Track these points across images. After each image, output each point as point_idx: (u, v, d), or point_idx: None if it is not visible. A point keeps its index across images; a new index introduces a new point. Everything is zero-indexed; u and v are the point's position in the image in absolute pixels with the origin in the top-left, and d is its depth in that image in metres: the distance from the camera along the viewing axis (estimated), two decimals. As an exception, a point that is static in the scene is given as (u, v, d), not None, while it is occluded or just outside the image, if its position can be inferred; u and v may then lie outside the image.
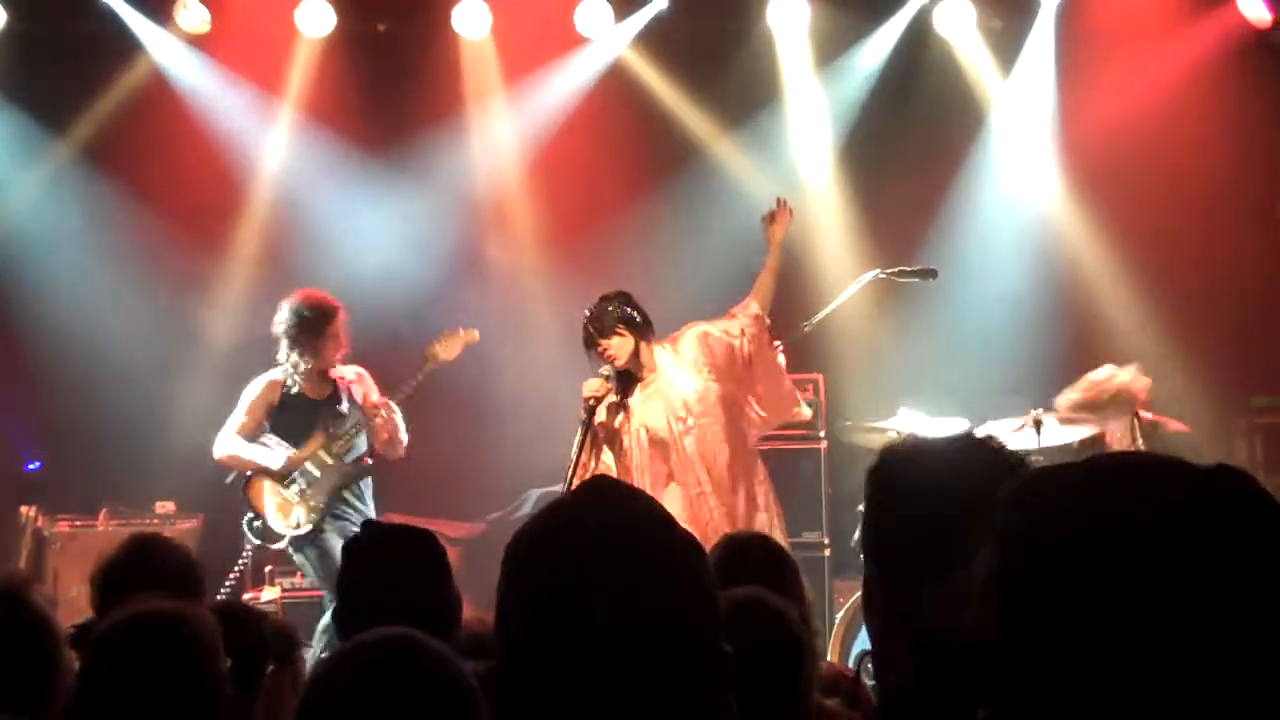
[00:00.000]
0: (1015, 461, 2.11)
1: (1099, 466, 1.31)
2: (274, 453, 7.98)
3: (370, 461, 8.13)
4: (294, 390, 8.02)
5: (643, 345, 7.09)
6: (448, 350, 8.23)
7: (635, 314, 7.09)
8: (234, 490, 8.40)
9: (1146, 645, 1.19)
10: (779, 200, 7.62)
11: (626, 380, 7.16)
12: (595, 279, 8.62)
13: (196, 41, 10.13)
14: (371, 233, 10.15)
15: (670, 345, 7.20)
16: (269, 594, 8.27)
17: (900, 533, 2.10)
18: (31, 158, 10.13)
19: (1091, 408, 7.95)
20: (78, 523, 9.10)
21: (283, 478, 7.93)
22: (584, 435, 6.96)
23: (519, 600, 1.72)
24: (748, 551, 3.90)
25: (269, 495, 7.94)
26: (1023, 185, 10.50)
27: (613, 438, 7.17)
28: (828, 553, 8.62)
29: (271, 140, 10.38)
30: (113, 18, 10.05)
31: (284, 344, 7.99)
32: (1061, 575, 1.24)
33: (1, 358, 9.94)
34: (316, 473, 7.93)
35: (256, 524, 7.99)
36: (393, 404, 8.05)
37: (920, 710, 2.04)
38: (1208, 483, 1.27)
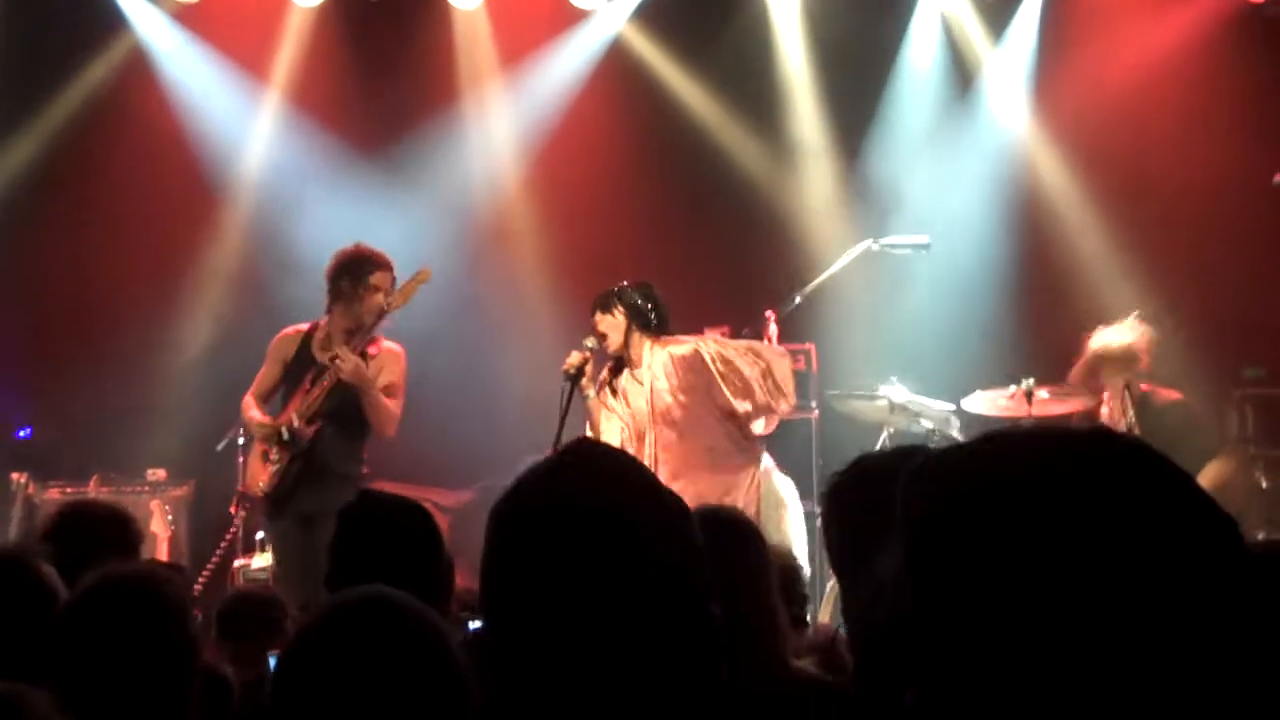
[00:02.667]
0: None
1: (983, 445, 1.31)
2: (260, 419, 7.52)
3: (312, 432, 7.38)
4: (311, 349, 7.51)
5: (635, 334, 7.12)
6: (400, 297, 7.45)
7: (643, 304, 7.14)
8: (226, 456, 8.40)
9: (1052, 612, 1.19)
10: None
11: (619, 365, 7.24)
12: (595, 259, 8.67)
13: (185, 13, 10.10)
14: (362, 230, 10.05)
15: (669, 348, 7.18)
16: (260, 561, 8.25)
17: (859, 543, 2.22)
18: (12, 128, 10.11)
19: (1092, 370, 7.98)
20: (68, 490, 9.09)
21: (266, 442, 7.47)
22: (565, 404, 6.98)
23: (503, 565, 1.72)
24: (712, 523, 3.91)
25: (254, 462, 7.56)
26: (1016, 157, 10.51)
27: (603, 416, 7.24)
28: (819, 522, 8.62)
29: (257, 128, 10.36)
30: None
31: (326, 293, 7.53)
32: (960, 553, 1.24)
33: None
34: (287, 437, 7.41)
35: (239, 494, 7.73)
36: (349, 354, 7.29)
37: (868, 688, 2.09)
38: (1087, 445, 1.27)
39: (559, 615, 1.66)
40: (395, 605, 2.24)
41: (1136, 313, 8.12)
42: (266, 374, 7.63)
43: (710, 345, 7.20)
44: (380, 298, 7.40)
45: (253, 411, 7.58)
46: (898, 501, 1.32)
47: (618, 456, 1.84)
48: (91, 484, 9.11)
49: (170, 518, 8.95)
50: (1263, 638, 1.21)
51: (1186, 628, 1.18)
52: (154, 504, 8.90)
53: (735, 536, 3.76)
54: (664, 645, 1.67)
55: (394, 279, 7.46)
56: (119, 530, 4.42)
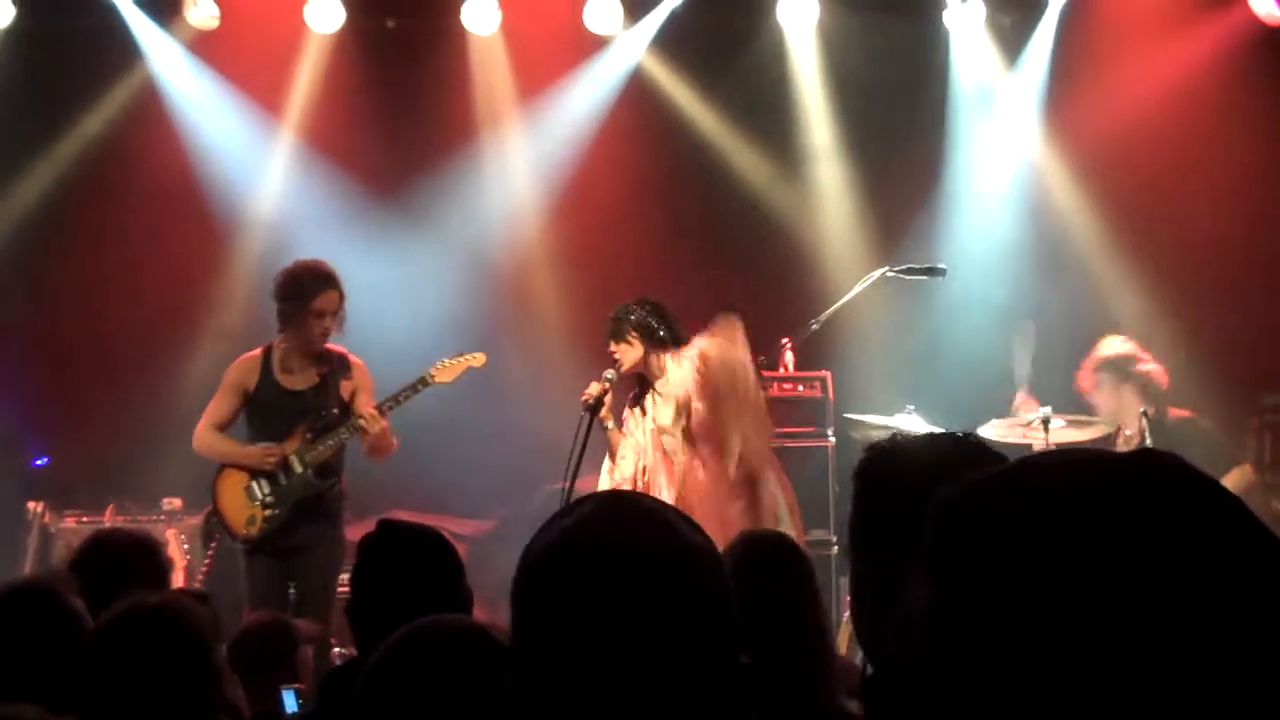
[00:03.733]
0: (991, 454, 2.19)
1: (1016, 472, 1.26)
2: (249, 449, 7.36)
3: (345, 486, 7.46)
4: (274, 375, 7.36)
5: (652, 356, 7.11)
6: (447, 374, 7.49)
7: (655, 324, 7.12)
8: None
9: (1095, 649, 1.14)
10: None
11: (644, 385, 7.22)
12: (611, 286, 8.64)
13: (201, 43, 10.13)
14: (379, 273, 10.03)
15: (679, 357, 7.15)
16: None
17: (882, 524, 2.17)
18: (31, 157, 10.15)
19: (1118, 369, 8.02)
20: (84, 519, 9.09)
21: (251, 476, 7.28)
22: (584, 436, 6.95)
23: (536, 621, 1.71)
24: (763, 551, 3.87)
25: (230, 494, 7.32)
26: (1032, 181, 10.49)
27: (628, 441, 7.21)
28: (835, 550, 8.59)
29: (270, 167, 10.37)
30: (116, 19, 10.04)
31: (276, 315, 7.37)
32: (993, 587, 1.19)
33: (8, 354, 9.95)
34: (283, 480, 7.25)
35: (214, 519, 7.47)
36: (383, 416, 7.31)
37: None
38: (1129, 471, 1.22)
39: (591, 664, 1.64)
40: (483, 634, 2.28)
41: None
42: (224, 404, 7.43)
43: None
44: (326, 322, 7.26)
45: (232, 443, 7.39)
46: (925, 531, 1.27)
47: (652, 504, 1.82)
48: (107, 513, 9.11)
49: (186, 546, 8.94)
50: None
51: (1241, 664, 1.14)
52: (169, 533, 8.89)
53: (783, 566, 3.75)
54: (696, 695, 1.66)
55: (340, 296, 7.29)
56: (147, 559, 4.43)
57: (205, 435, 7.42)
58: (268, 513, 7.24)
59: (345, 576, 7.39)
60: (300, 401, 7.33)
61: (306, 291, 7.22)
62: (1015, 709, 1.17)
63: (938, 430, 2.49)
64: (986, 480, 1.26)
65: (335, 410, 7.36)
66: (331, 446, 7.29)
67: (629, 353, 7.11)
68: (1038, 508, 1.20)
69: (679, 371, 7.08)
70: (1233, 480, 7.80)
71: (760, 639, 3.03)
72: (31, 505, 9.15)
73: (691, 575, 1.70)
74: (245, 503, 7.29)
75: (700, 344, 7.11)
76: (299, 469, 7.25)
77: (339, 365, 7.42)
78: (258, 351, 7.47)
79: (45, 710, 2.43)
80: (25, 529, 9.08)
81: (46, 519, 9.12)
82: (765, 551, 3.79)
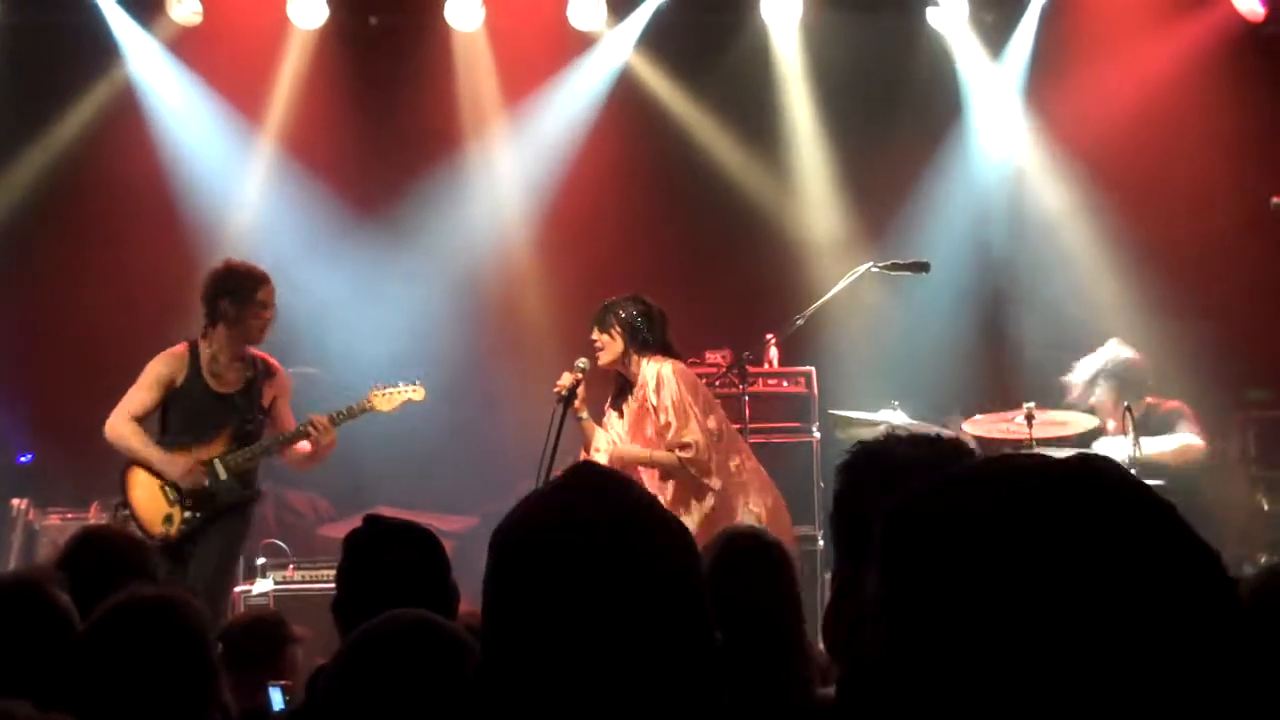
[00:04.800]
0: (970, 454, 2.25)
1: (959, 480, 1.28)
2: (169, 455, 7.13)
3: (260, 493, 7.41)
4: (202, 375, 7.21)
5: (633, 354, 7.05)
6: (386, 402, 7.45)
7: (639, 320, 7.03)
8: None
9: (1019, 657, 1.15)
10: None
11: (623, 384, 7.18)
12: (594, 279, 8.64)
13: (183, 41, 10.11)
14: (359, 279, 10.00)
15: (669, 371, 7.03)
16: (261, 586, 8.23)
17: (865, 524, 2.18)
18: (14, 153, 10.13)
19: (1113, 377, 8.06)
20: (69, 515, 9.08)
21: (169, 481, 7.09)
22: (558, 426, 6.92)
23: (503, 589, 1.72)
24: (742, 547, 3.88)
25: (144, 489, 7.13)
26: (1016, 177, 10.52)
27: (603, 434, 7.19)
28: (820, 544, 8.61)
29: (250, 174, 10.34)
30: (98, 16, 10.01)
31: (202, 317, 7.26)
32: (928, 592, 1.21)
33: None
34: (205, 482, 7.10)
35: (124, 513, 7.16)
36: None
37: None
38: (1063, 477, 1.23)
39: (560, 639, 1.65)
40: (439, 628, 2.29)
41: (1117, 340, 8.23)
42: (146, 396, 7.23)
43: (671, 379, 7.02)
44: (267, 314, 7.21)
45: (152, 445, 7.18)
46: (875, 535, 1.28)
47: (620, 480, 1.83)
48: (91, 510, 9.09)
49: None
50: (1247, 677, 1.17)
51: (1169, 673, 1.15)
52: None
53: (761, 558, 3.76)
54: (667, 671, 1.66)
55: (274, 290, 7.26)
56: (138, 556, 4.42)
57: (123, 427, 7.19)
58: (187, 514, 7.09)
59: (328, 572, 7.42)
60: (226, 405, 7.21)
61: (248, 285, 7.18)
62: (947, 707, 1.19)
63: (919, 430, 2.55)
64: (931, 487, 1.28)
65: (261, 416, 7.28)
66: (256, 454, 7.20)
67: (610, 346, 7.03)
68: (975, 514, 1.22)
69: (650, 379, 6.97)
70: (1178, 446, 7.90)
71: (736, 630, 3.05)
72: (15, 502, 9.12)
73: (662, 548, 1.71)
74: (163, 501, 7.11)
75: (668, 364, 7.02)
76: (223, 475, 7.12)
77: (263, 369, 7.34)
78: (181, 348, 7.32)
79: (36, 707, 2.42)
80: (9, 526, 9.06)
81: (31, 516, 9.10)
82: (743, 545, 3.80)
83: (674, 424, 6.90)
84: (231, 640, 4.93)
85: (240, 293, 7.16)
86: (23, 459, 9.84)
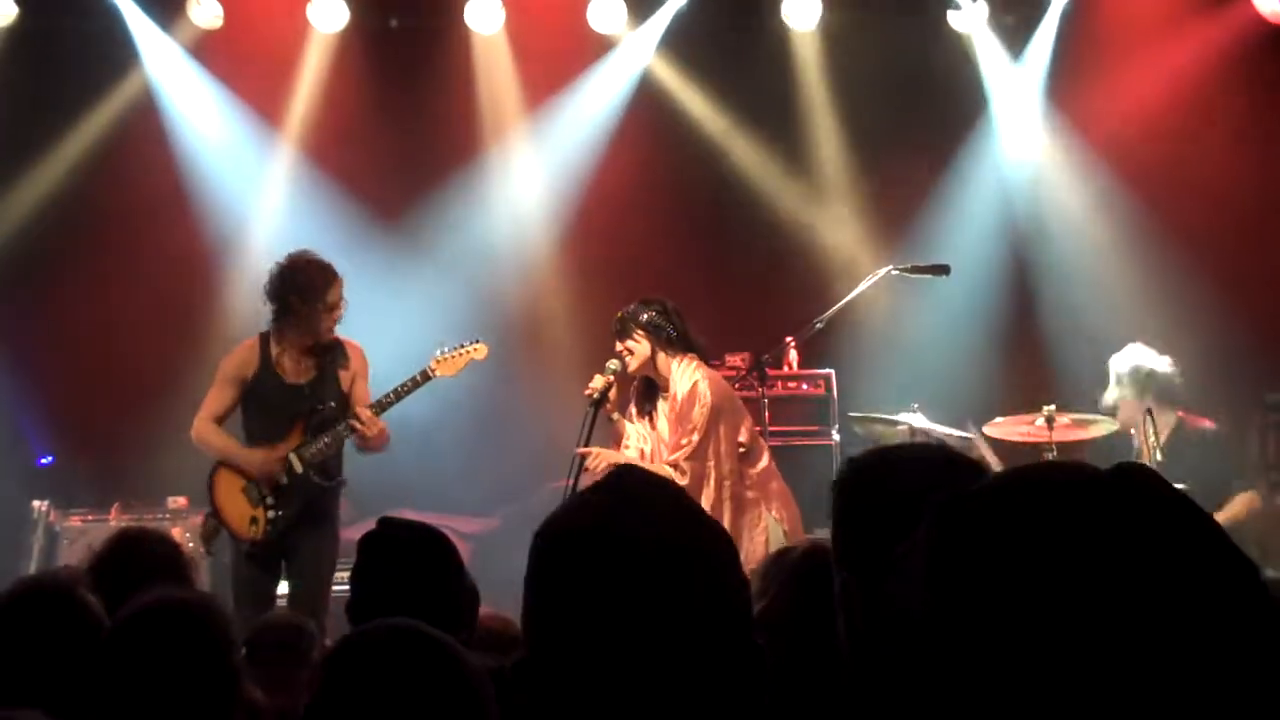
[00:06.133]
0: (966, 463, 2.29)
1: (1006, 484, 1.31)
2: (247, 451, 7.17)
3: (345, 481, 7.32)
4: (273, 368, 7.18)
5: (660, 355, 7.01)
6: (449, 366, 7.35)
7: (663, 323, 7.00)
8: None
9: (1065, 659, 1.19)
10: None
11: (651, 389, 7.17)
12: (615, 282, 8.64)
13: (203, 44, 10.14)
14: (382, 286, 9.97)
15: (697, 373, 7.01)
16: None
17: (869, 535, 2.24)
18: (35, 157, 10.17)
19: (1138, 389, 8.03)
20: (90, 517, 9.11)
21: (250, 476, 7.13)
22: (589, 429, 6.92)
23: (545, 593, 1.72)
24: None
25: (228, 493, 7.16)
26: (1036, 179, 10.50)
27: (633, 430, 7.18)
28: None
29: (270, 179, 10.35)
30: (118, 20, 10.04)
31: (270, 311, 7.20)
32: (974, 592, 1.24)
33: (14, 353, 9.95)
34: (284, 479, 7.11)
35: (211, 523, 7.25)
36: (377, 417, 7.13)
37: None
38: (1108, 487, 1.26)
39: (602, 643, 1.65)
40: (418, 635, 2.30)
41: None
42: (223, 394, 7.24)
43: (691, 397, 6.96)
44: (337, 314, 7.16)
45: (231, 442, 7.21)
46: (920, 537, 1.31)
47: (662, 484, 1.83)
48: (112, 512, 9.12)
49: (192, 545, 8.93)
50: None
51: (1205, 679, 1.17)
52: (175, 531, 8.87)
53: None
54: (708, 675, 1.67)
55: (343, 285, 7.19)
56: (173, 558, 4.42)
57: (205, 427, 7.22)
58: (270, 514, 7.10)
59: (344, 574, 7.39)
60: (298, 396, 7.18)
61: (319, 285, 7.11)
62: (995, 710, 1.21)
63: (920, 441, 2.59)
64: (979, 491, 1.31)
65: (333, 403, 7.21)
66: (330, 445, 7.15)
67: (638, 350, 7.01)
68: (1022, 519, 1.25)
69: (684, 385, 6.97)
70: (1240, 503, 7.84)
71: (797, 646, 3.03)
72: (37, 504, 9.16)
73: (700, 550, 1.72)
74: (245, 503, 7.14)
75: (701, 370, 7.01)
76: (299, 469, 7.12)
77: (337, 353, 7.28)
78: (252, 341, 7.32)
79: (46, 714, 2.43)
80: (31, 528, 9.10)
81: (52, 518, 9.14)
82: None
83: (687, 442, 6.89)
84: (259, 640, 4.93)
85: (310, 290, 7.10)
86: (44, 461, 9.88)
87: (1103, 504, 1.24)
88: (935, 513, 1.31)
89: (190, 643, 2.98)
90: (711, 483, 6.88)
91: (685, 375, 6.96)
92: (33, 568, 8.74)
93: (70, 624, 3.26)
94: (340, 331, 7.32)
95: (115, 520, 8.95)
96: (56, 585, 3.47)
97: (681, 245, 10.39)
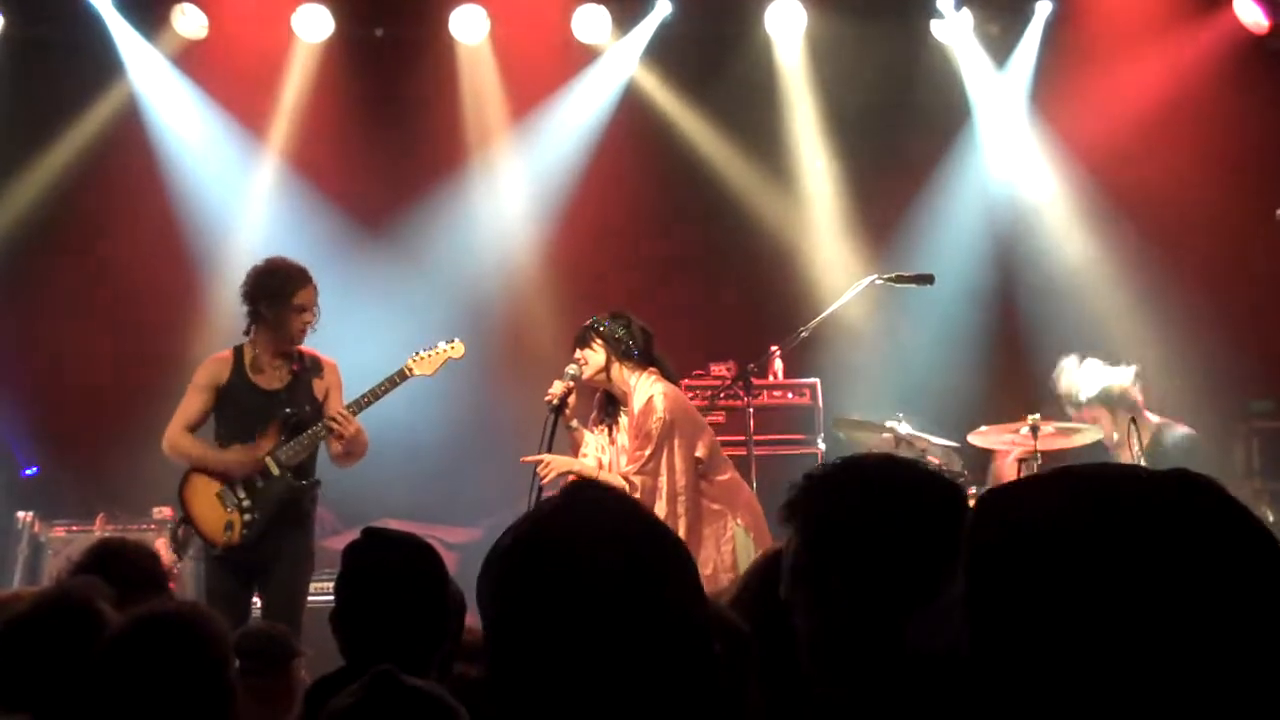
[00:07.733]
0: (930, 478, 2.30)
1: (1061, 480, 1.31)
2: (223, 454, 7.12)
3: (320, 483, 7.29)
4: (246, 374, 7.17)
5: (615, 367, 7.03)
6: (426, 365, 7.38)
7: (624, 335, 7.02)
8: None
9: (1113, 655, 1.19)
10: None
11: (611, 403, 7.18)
12: (598, 293, 8.63)
13: (187, 55, 10.12)
14: (365, 297, 9.96)
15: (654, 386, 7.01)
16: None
17: (828, 554, 2.24)
18: (18, 168, 10.15)
19: (1105, 401, 8.07)
20: (74, 528, 9.09)
21: (224, 481, 7.09)
22: (550, 435, 6.92)
23: (504, 605, 1.72)
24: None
25: (202, 500, 7.10)
26: (1019, 190, 10.52)
27: (590, 439, 7.19)
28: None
29: (253, 192, 10.34)
30: (103, 30, 10.02)
31: (245, 315, 7.20)
32: (1026, 591, 1.25)
33: (-2, 364, 9.95)
34: (259, 482, 7.09)
35: (181, 530, 7.18)
36: (353, 417, 7.10)
37: None
38: (1166, 490, 1.27)
39: (561, 655, 1.66)
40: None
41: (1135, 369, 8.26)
42: (195, 402, 7.20)
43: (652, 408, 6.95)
44: (306, 316, 7.14)
45: (207, 447, 7.16)
46: (967, 527, 1.32)
47: (619, 496, 1.85)
48: (97, 522, 9.10)
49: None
50: None
51: (1258, 675, 1.18)
52: (160, 542, 8.86)
53: None
54: (665, 684, 1.67)
55: (316, 290, 7.18)
56: (152, 568, 4.42)
57: (177, 436, 7.19)
58: (247, 517, 7.06)
59: (326, 585, 7.35)
60: (273, 400, 7.16)
61: (287, 288, 7.11)
62: (1036, 696, 1.23)
63: (873, 452, 2.58)
64: (1026, 485, 1.34)
65: (308, 408, 7.20)
66: (306, 446, 7.13)
67: (592, 358, 7.04)
68: (1072, 518, 1.26)
69: (640, 399, 6.96)
70: None
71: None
72: (21, 515, 9.13)
73: (657, 561, 1.72)
74: (220, 508, 7.09)
75: (661, 385, 7.01)
76: (275, 471, 7.10)
77: (310, 365, 7.28)
78: (227, 352, 7.31)
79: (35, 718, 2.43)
80: (15, 539, 9.07)
81: (36, 529, 9.11)
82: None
83: (640, 456, 6.90)
84: (240, 651, 4.92)
85: (278, 295, 7.10)
86: (28, 472, 9.85)
87: (1166, 500, 1.25)
88: (980, 503, 1.33)
89: (187, 655, 2.97)
90: (663, 497, 6.88)
91: (643, 389, 6.98)
92: (17, 579, 8.73)
93: (91, 637, 3.25)
94: (323, 340, 7.31)
95: (100, 531, 8.93)
96: (75, 599, 3.46)
97: (666, 254, 10.40)
